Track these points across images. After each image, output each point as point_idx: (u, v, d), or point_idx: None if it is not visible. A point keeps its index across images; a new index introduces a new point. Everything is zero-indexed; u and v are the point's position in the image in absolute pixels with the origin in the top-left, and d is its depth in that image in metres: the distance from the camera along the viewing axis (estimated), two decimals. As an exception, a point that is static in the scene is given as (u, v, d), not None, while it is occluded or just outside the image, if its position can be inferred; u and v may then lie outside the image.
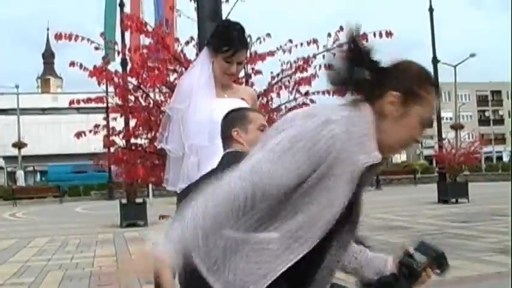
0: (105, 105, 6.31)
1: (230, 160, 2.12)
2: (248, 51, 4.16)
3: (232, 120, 2.46)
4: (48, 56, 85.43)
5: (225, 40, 2.92)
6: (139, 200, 14.29)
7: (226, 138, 2.45)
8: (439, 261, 1.86)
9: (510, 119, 73.83)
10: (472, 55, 43.38)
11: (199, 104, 2.90)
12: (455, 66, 44.65)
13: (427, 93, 1.70)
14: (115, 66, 9.13)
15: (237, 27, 2.97)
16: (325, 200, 1.60)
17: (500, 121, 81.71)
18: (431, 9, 19.30)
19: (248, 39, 3.49)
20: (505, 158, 64.07)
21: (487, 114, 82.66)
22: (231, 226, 1.57)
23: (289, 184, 1.56)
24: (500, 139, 76.18)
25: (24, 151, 43.80)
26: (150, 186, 18.86)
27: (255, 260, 1.61)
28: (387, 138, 1.68)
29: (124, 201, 14.27)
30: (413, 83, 1.69)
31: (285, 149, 1.55)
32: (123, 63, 9.79)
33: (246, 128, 2.42)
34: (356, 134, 1.61)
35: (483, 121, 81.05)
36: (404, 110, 1.68)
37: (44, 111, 55.69)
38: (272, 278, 1.60)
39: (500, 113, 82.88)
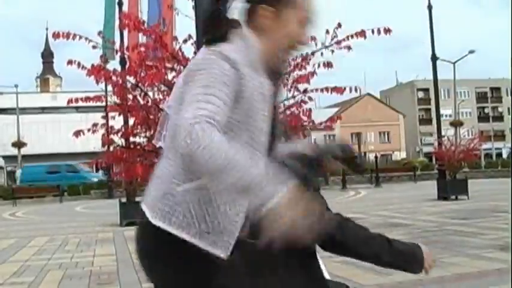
0: (104, 104, 6.31)
1: None
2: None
3: None
4: (47, 56, 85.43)
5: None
6: (139, 199, 14.27)
7: None
8: (351, 160, 1.97)
9: (510, 116, 73.84)
10: (471, 52, 43.40)
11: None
12: (454, 63, 44.65)
13: None
14: (114, 65, 9.12)
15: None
16: (248, 113, 1.67)
17: (499, 118, 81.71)
18: (430, 7, 19.28)
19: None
20: (504, 155, 64.09)
21: (486, 111, 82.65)
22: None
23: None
24: (500, 136, 76.21)
25: (24, 150, 43.80)
26: (150, 184, 18.83)
27: (220, 201, 1.62)
28: (274, 50, 1.74)
29: (124, 200, 14.27)
30: None
31: (206, 89, 1.56)
32: (122, 62, 9.78)
33: None
34: (245, 59, 1.66)
35: (482, 118, 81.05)
36: (280, 19, 1.72)
37: (43, 110, 55.66)
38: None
39: (500, 109, 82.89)
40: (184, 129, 1.47)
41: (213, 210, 1.61)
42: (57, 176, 34.13)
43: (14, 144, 43.73)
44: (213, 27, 1.75)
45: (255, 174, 1.46)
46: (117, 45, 7.98)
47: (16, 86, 45.75)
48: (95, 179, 32.90)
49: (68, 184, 30.38)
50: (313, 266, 1.99)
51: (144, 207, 1.70)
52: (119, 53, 8.35)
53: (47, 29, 73.35)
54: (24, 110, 48.40)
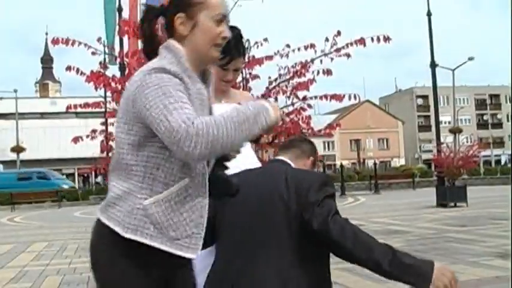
0: (103, 109, 6.31)
1: None
2: (246, 56, 4.15)
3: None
4: (47, 61, 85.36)
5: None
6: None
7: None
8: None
9: (509, 123, 73.87)
10: (471, 58, 43.48)
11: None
12: (453, 70, 44.72)
13: None
14: (114, 71, 9.12)
15: (233, 34, 2.92)
16: None
17: (498, 125, 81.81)
18: (429, 14, 19.34)
19: (246, 44, 3.46)
20: (503, 161, 64.04)
21: (485, 117, 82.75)
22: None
23: None
24: (499, 143, 76.29)
25: (23, 156, 43.77)
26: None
27: (182, 210, 1.79)
28: (199, 51, 1.89)
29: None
30: None
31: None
32: (121, 68, 9.78)
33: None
34: (181, 70, 1.82)
35: (481, 125, 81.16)
36: (195, 21, 1.87)
37: (42, 115, 55.66)
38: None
39: (499, 116, 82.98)
40: (182, 135, 1.63)
41: (178, 218, 1.78)
42: (28, 182, 34.20)
43: (13, 149, 43.73)
44: (147, 45, 1.97)
45: (249, 113, 1.72)
46: (116, 51, 7.98)
47: (15, 91, 45.79)
48: (66, 186, 34.28)
49: (39, 191, 30.23)
50: None
51: (106, 221, 1.93)
52: (118, 59, 8.35)
53: (46, 34, 73.36)
54: (24, 115, 48.42)
